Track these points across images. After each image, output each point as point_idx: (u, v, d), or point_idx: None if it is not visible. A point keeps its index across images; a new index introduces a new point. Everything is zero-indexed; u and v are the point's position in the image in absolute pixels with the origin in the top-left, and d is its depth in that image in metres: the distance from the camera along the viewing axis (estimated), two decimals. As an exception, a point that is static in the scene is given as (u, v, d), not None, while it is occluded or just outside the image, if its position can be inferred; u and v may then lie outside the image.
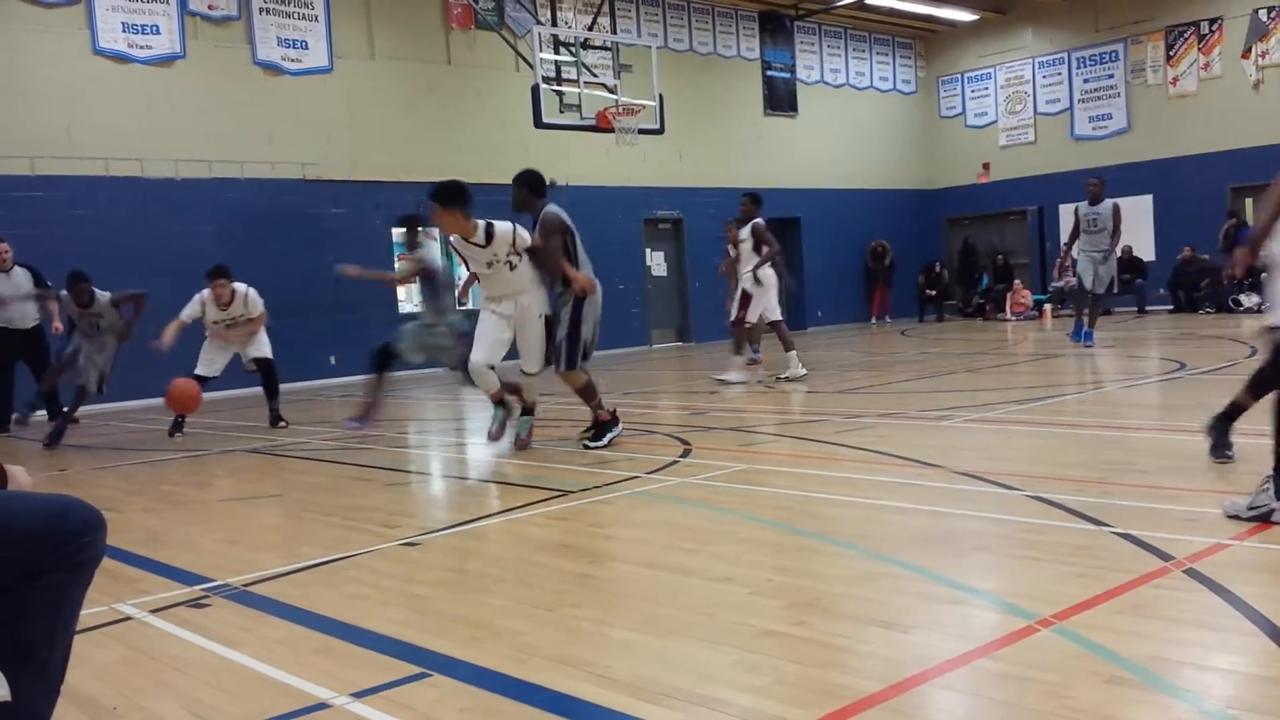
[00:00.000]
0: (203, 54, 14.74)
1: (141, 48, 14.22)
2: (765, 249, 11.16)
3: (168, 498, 6.64)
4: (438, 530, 5.15)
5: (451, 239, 7.19)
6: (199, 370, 9.81)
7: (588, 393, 7.47)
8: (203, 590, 4.21)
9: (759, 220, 11.22)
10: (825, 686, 2.78)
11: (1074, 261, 13.52)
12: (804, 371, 11.16)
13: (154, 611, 3.94)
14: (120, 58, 14.08)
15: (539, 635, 3.39)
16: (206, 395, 9.67)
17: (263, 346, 10.11)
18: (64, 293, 9.66)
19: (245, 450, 8.66)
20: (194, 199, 14.49)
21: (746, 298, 11.29)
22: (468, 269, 7.65)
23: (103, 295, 9.61)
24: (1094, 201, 12.88)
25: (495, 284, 7.33)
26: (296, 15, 15.58)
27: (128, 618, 3.88)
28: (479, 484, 6.82)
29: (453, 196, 7.03)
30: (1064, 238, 14.48)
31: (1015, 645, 2.99)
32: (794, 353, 11.26)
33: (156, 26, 14.31)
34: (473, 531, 5.08)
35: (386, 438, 8.97)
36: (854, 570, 3.94)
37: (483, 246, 7.14)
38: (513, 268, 7.23)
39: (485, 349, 7.29)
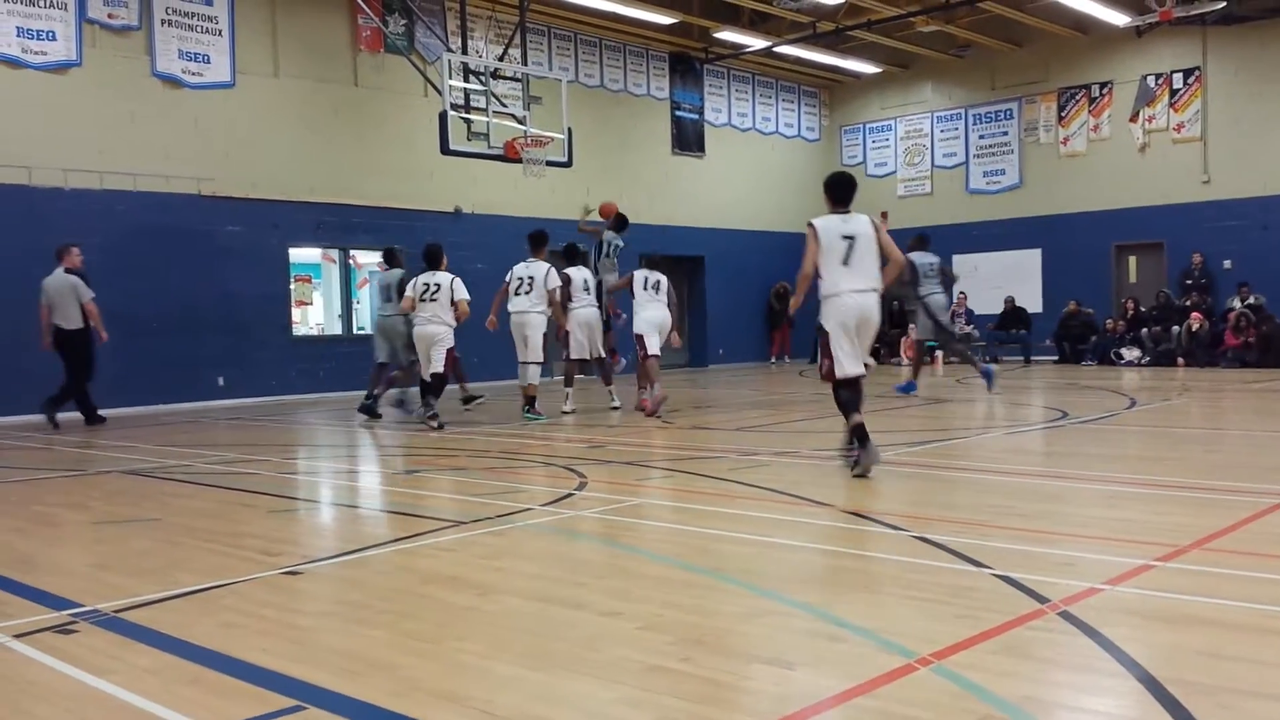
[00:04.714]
0: (100, 63, 14.33)
1: (36, 53, 13.77)
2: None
3: (40, 519, 6.37)
4: (322, 559, 5.03)
5: None
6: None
7: None
8: (70, 615, 4.04)
9: None
10: (708, 723, 2.79)
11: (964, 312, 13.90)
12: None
13: (18, 636, 3.77)
14: (13, 63, 13.61)
15: (422, 669, 3.33)
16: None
17: (439, 360, 10.57)
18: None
19: (124, 471, 8.36)
20: (83, 210, 14.01)
21: None
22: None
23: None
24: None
25: None
26: (200, 28, 15.26)
27: (-13, 643, 3.70)
28: (369, 513, 6.69)
29: None
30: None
31: (895, 683, 3.03)
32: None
33: (53, 33, 13.88)
34: (359, 561, 4.98)
35: (274, 463, 8.76)
36: (742, 607, 3.96)
37: None
38: None
39: None
